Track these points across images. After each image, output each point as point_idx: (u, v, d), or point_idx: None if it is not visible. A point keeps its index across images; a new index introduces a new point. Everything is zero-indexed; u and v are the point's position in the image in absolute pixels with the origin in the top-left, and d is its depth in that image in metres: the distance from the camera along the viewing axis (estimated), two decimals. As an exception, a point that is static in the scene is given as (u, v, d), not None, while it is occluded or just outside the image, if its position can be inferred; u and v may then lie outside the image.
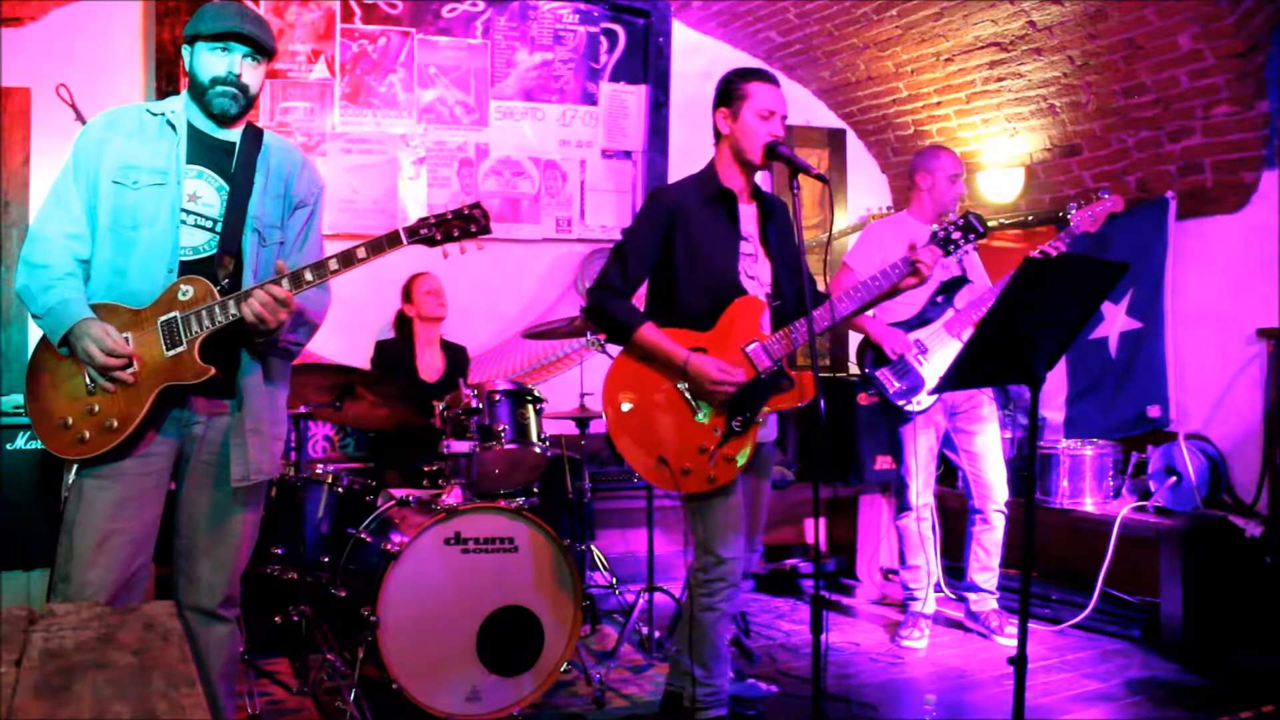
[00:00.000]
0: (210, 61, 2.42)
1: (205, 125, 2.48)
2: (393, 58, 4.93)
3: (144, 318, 2.36)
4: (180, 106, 2.49)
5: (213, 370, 2.36)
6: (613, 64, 5.33)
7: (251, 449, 2.46)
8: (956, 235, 3.08)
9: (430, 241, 2.46)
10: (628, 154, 5.41)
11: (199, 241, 2.43)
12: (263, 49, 2.46)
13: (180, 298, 2.36)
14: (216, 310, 2.35)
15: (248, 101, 2.48)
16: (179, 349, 2.34)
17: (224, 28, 2.41)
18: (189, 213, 2.42)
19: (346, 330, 4.84)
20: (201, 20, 2.44)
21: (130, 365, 2.31)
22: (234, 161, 2.49)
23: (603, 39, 5.30)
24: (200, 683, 2.34)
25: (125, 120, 2.46)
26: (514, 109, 5.16)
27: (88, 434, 2.32)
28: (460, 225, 2.47)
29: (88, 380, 2.34)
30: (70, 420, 2.33)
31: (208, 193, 2.45)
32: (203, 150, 2.47)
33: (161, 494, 2.44)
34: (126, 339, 2.33)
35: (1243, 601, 4.01)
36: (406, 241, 2.44)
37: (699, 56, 5.53)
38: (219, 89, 2.43)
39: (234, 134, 2.51)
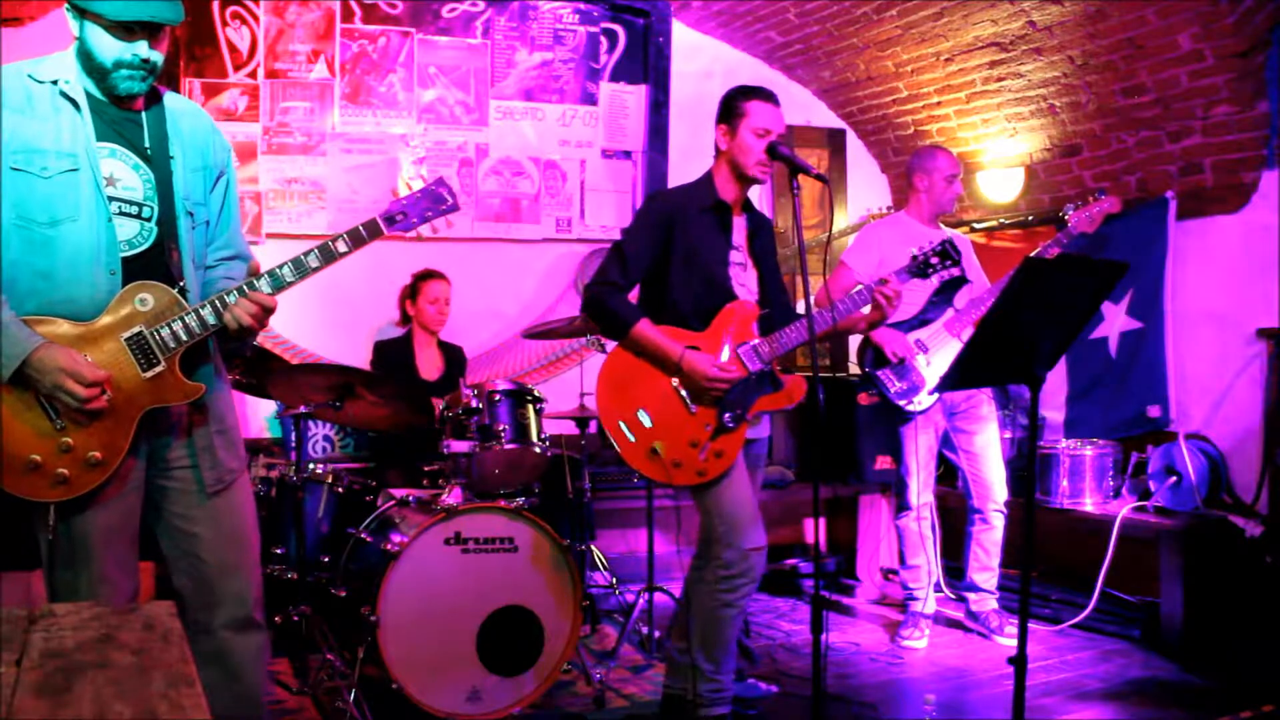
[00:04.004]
0: (110, 44, 2.09)
1: (104, 94, 2.18)
2: (393, 58, 4.93)
3: (98, 333, 2.11)
4: (72, 74, 2.14)
5: (203, 388, 2.20)
6: (613, 64, 5.33)
7: (219, 450, 2.31)
8: (935, 260, 3.17)
9: (407, 228, 2.37)
10: (628, 154, 5.41)
11: (131, 234, 2.16)
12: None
13: (140, 308, 2.13)
14: (192, 322, 2.15)
15: (157, 75, 2.18)
16: (157, 368, 2.14)
17: (134, 15, 2.06)
18: (112, 199, 2.13)
19: (346, 330, 4.85)
20: None
21: (104, 393, 2.08)
22: (145, 134, 2.20)
23: (603, 39, 5.30)
24: (246, 700, 2.28)
25: (9, 92, 2.09)
26: (514, 109, 5.16)
27: (67, 472, 2.07)
28: (431, 205, 2.40)
29: (51, 413, 2.08)
30: (40, 460, 2.06)
31: (126, 174, 2.16)
32: (108, 124, 2.16)
33: (140, 501, 2.26)
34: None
35: (1243, 601, 4.01)
36: (387, 230, 2.32)
37: (699, 56, 5.54)
38: (125, 72, 2.11)
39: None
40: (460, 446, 3.53)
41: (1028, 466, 2.68)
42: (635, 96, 5.38)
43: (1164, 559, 4.09)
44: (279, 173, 4.76)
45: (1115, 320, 4.68)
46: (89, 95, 2.15)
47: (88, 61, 2.13)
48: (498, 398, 3.71)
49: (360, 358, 4.67)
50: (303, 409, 3.55)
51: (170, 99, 2.29)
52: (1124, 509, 4.23)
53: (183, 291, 2.19)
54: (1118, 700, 3.60)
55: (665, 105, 5.39)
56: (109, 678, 1.17)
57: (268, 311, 2.21)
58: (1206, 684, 3.74)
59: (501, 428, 3.65)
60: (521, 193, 5.20)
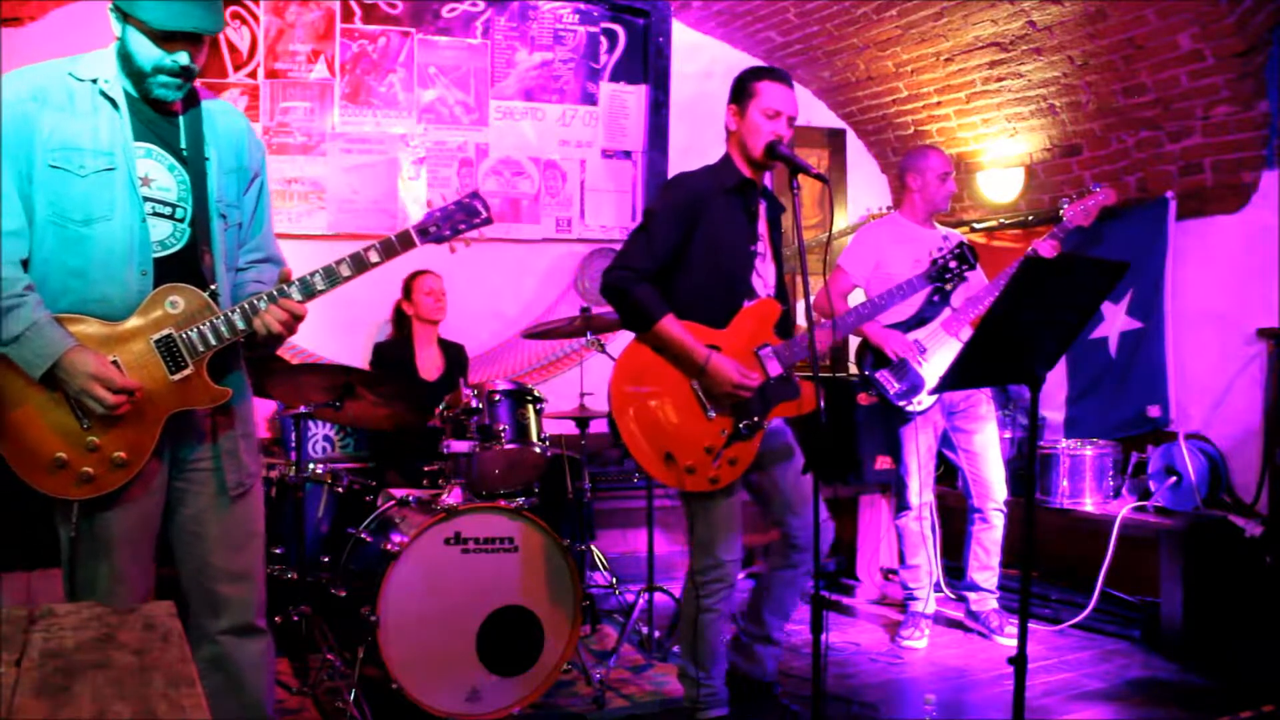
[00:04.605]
0: (150, 50, 2.09)
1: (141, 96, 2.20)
2: (393, 58, 4.93)
3: (128, 334, 2.12)
4: (112, 73, 2.15)
5: (229, 393, 2.20)
6: (613, 64, 5.34)
7: (243, 453, 2.32)
8: (954, 264, 3.23)
9: (440, 239, 2.36)
10: (628, 154, 5.41)
11: (164, 234, 2.17)
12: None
13: (170, 310, 2.14)
14: (221, 327, 2.16)
15: (192, 81, 2.18)
16: (185, 371, 2.15)
17: (176, 26, 2.06)
18: (146, 199, 2.14)
19: (346, 330, 4.85)
20: (144, 6, 2.05)
21: (131, 396, 2.09)
22: (181, 135, 2.21)
23: (603, 39, 5.30)
24: (251, 708, 2.28)
25: (52, 89, 2.10)
26: (514, 109, 5.16)
27: (92, 471, 2.09)
28: (465, 218, 2.38)
29: (78, 412, 2.08)
30: (65, 457, 2.08)
31: (160, 174, 2.17)
32: (145, 124, 2.17)
33: (162, 502, 2.27)
34: (115, 363, 2.09)
35: (1243, 601, 4.01)
36: (420, 242, 2.32)
37: (699, 56, 5.54)
38: (163, 78, 2.12)
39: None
40: (460, 446, 3.53)
41: (1028, 466, 2.68)
42: (635, 96, 5.39)
43: (1164, 559, 4.09)
44: (279, 173, 4.75)
45: (1115, 320, 4.68)
46: (127, 95, 2.16)
47: (128, 64, 2.14)
48: (498, 398, 3.70)
49: (360, 358, 4.68)
50: (303, 409, 3.55)
51: (208, 100, 2.29)
52: (1124, 509, 4.23)
53: (213, 295, 2.20)
54: (1118, 700, 3.60)
55: (665, 105, 5.39)
56: (109, 678, 1.17)
57: (297, 319, 2.21)
58: (1206, 684, 3.74)
59: (501, 428, 3.65)
60: (521, 193, 5.20)
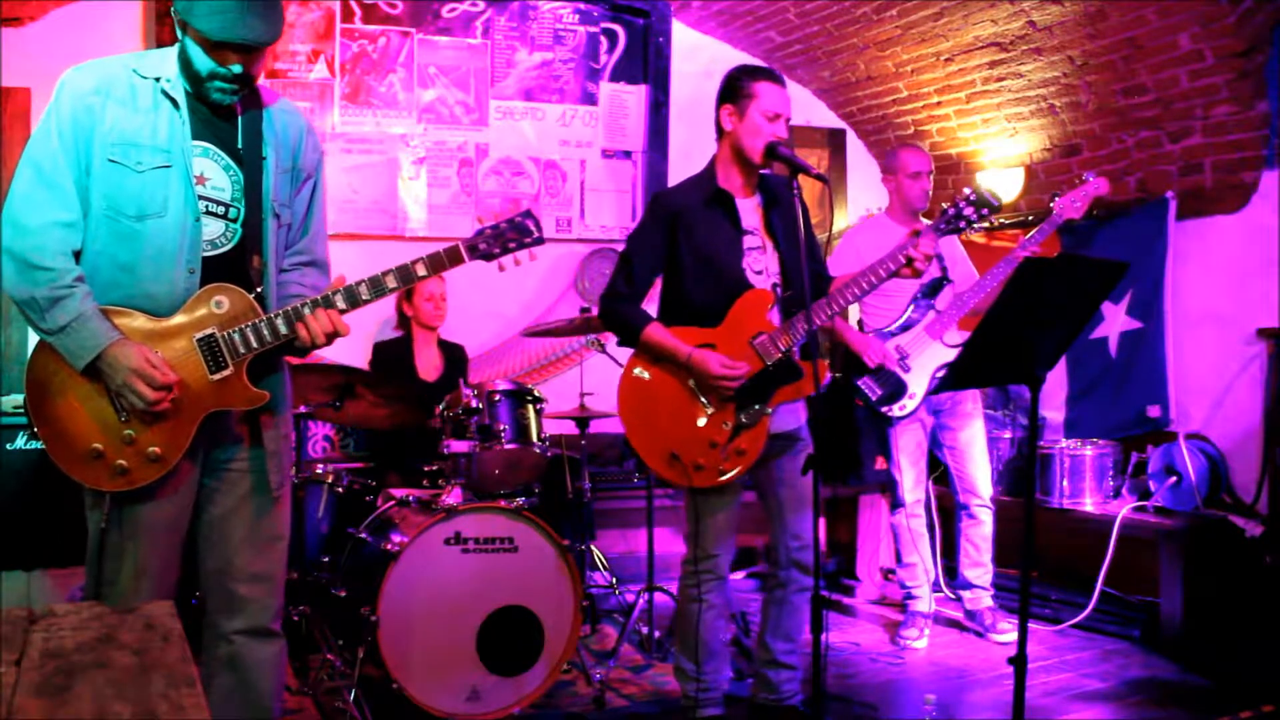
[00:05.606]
0: (206, 58, 2.11)
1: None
2: (393, 58, 4.93)
3: (171, 331, 2.13)
4: (174, 72, 2.17)
5: (266, 396, 2.20)
6: (612, 64, 5.33)
7: (284, 455, 2.31)
8: (969, 211, 2.96)
9: (489, 257, 2.33)
10: (627, 154, 5.41)
11: (216, 234, 2.18)
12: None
13: (215, 310, 2.15)
14: (264, 330, 2.16)
15: (249, 87, 2.21)
16: (225, 372, 2.15)
17: (227, 37, 2.06)
18: (200, 198, 2.15)
19: (346, 330, 4.84)
20: (199, 14, 2.05)
21: (170, 391, 2.09)
22: (239, 135, 2.22)
23: (602, 39, 5.30)
24: (257, 709, 2.29)
25: (116, 83, 2.13)
26: (514, 109, 5.16)
27: (127, 464, 2.10)
28: (516, 237, 2.37)
29: (117, 405, 2.10)
30: (102, 449, 2.09)
31: (216, 173, 2.19)
32: (203, 123, 2.19)
33: (192, 500, 2.26)
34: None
35: (1243, 601, 4.01)
36: (468, 258, 2.30)
37: (699, 56, 5.54)
38: (218, 84, 2.13)
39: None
40: (460, 446, 3.53)
41: (1028, 466, 2.68)
42: (635, 96, 5.39)
43: (1164, 559, 4.09)
44: (279, 173, 4.75)
45: (1115, 320, 4.68)
46: (187, 94, 2.18)
47: (187, 67, 2.15)
48: (498, 398, 3.70)
49: (359, 358, 4.67)
50: (303, 409, 3.55)
51: (269, 99, 2.31)
52: (1124, 509, 4.23)
53: (259, 297, 2.20)
54: (1118, 700, 3.60)
55: (665, 105, 5.39)
56: (109, 678, 1.17)
57: (338, 332, 2.22)
58: (1206, 684, 3.74)
59: (501, 428, 3.65)
60: (521, 193, 5.20)
